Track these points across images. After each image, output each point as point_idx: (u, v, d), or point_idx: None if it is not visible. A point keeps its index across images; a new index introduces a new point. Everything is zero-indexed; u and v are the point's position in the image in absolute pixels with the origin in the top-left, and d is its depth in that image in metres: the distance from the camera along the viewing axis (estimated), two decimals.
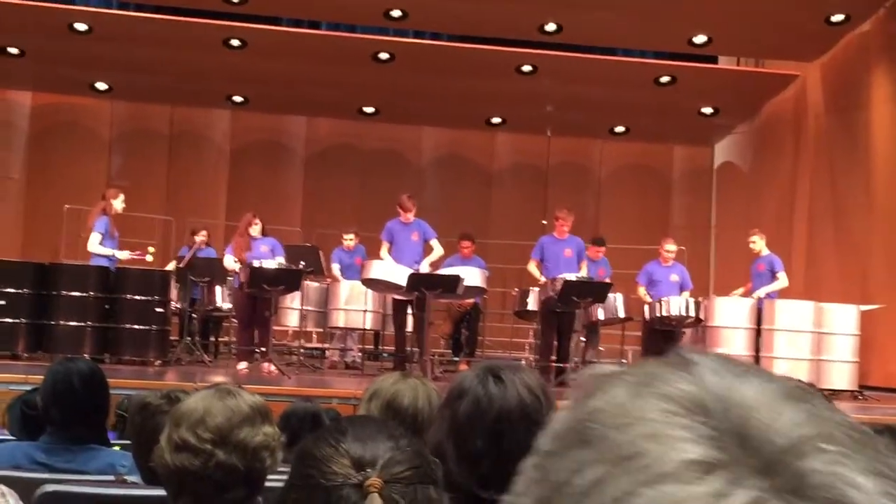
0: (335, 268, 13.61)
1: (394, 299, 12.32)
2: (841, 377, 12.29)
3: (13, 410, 5.04)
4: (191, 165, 17.98)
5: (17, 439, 4.60)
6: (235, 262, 11.87)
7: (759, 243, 12.76)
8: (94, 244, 11.58)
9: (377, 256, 12.30)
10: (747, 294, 12.76)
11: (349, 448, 1.61)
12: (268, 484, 2.53)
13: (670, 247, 12.97)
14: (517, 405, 2.17)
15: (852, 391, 12.35)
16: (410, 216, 12.24)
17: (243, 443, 2.43)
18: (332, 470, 1.59)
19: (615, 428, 0.58)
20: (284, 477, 1.71)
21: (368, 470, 1.58)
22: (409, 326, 12.32)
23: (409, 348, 12.28)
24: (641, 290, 12.83)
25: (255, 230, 12.11)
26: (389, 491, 1.56)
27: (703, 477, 0.54)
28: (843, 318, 12.47)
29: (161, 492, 2.64)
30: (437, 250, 12.34)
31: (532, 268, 12.47)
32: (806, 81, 16.56)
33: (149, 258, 12.12)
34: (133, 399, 3.95)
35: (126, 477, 3.57)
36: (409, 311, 12.15)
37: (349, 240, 13.74)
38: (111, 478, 3.61)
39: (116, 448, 4.29)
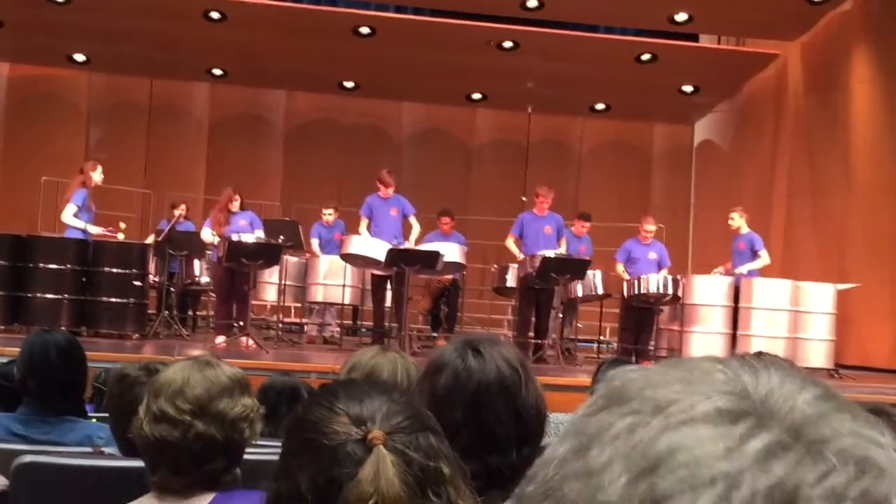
0: (314, 243, 13.60)
1: (373, 275, 12.31)
2: (817, 355, 12.37)
3: None
4: (170, 138, 17.89)
5: None
6: (213, 235, 11.83)
7: (737, 220, 12.77)
8: (69, 215, 11.53)
9: (356, 232, 12.29)
10: (728, 272, 12.80)
11: (345, 407, 1.60)
12: (246, 456, 2.53)
13: (650, 227, 12.99)
14: (496, 378, 2.18)
15: (828, 369, 12.42)
16: (390, 191, 12.23)
17: (222, 414, 2.43)
18: (333, 430, 1.58)
19: (650, 387, 0.61)
20: (263, 449, 1.69)
21: (369, 424, 1.57)
22: (388, 302, 12.33)
23: (387, 324, 12.28)
24: (620, 267, 12.86)
25: (235, 206, 12.07)
26: (393, 442, 1.55)
27: (731, 423, 0.57)
28: (820, 297, 12.53)
29: (139, 463, 2.63)
30: (416, 227, 12.35)
31: (510, 243, 12.49)
32: (786, 60, 16.60)
33: (120, 236, 12.07)
34: (111, 371, 3.94)
35: (103, 448, 3.57)
36: (389, 286, 12.16)
37: (328, 214, 13.73)
38: (88, 449, 3.60)
39: (93, 420, 4.28)
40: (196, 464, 2.40)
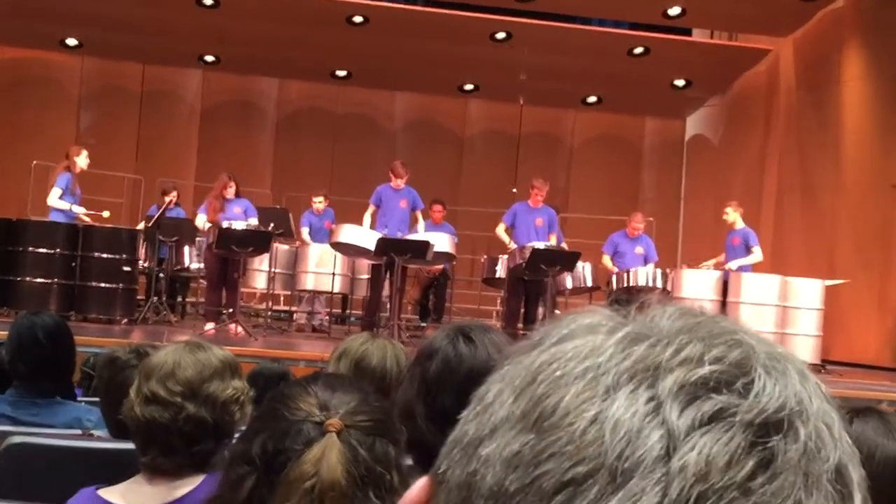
0: (304, 231, 13.59)
1: (372, 264, 12.31)
2: (804, 351, 12.37)
3: None
4: (161, 125, 17.86)
5: None
6: (206, 222, 11.84)
7: (732, 215, 12.79)
8: (54, 198, 11.55)
9: (346, 220, 12.30)
10: (720, 266, 12.82)
11: (318, 392, 1.66)
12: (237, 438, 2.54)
13: (638, 223, 13.02)
14: (486, 364, 2.19)
15: (815, 365, 12.43)
16: (401, 182, 12.29)
17: (213, 396, 2.44)
18: (298, 406, 1.64)
19: (529, 339, 0.66)
20: None
21: (332, 412, 1.62)
22: (387, 290, 12.32)
23: (379, 313, 12.28)
24: (606, 259, 12.88)
25: (230, 192, 12.08)
26: (347, 435, 1.59)
27: (597, 331, 0.63)
28: (808, 293, 12.56)
29: (128, 445, 2.65)
30: (421, 223, 12.43)
31: (500, 231, 12.54)
32: (779, 56, 16.62)
33: (105, 213, 12.12)
34: (101, 354, 3.95)
35: (93, 431, 3.58)
36: (389, 276, 12.16)
37: (318, 202, 13.72)
38: (78, 431, 3.61)
39: (82, 403, 4.29)
40: (186, 445, 2.42)
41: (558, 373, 0.60)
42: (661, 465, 0.56)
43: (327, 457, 1.56)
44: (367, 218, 12.26)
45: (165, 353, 2.52)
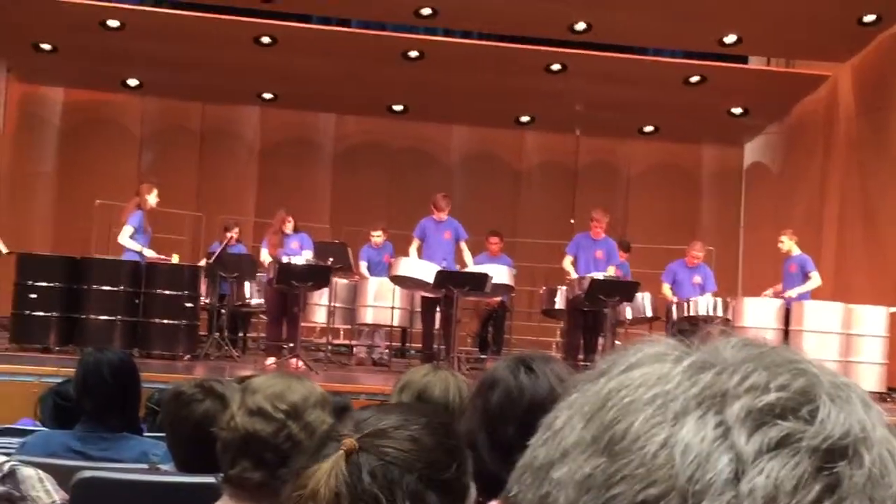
0: (363, 265, 13.65)
1: (423, 297, 12.36)
2: (869, 379, 12.21)
3: (46, 402, 5.10)
4: (221, 162, 18.07)
5: (50, 430, 4.65)
6: (269, 257, 11.99)
7: (787, 243, 12.70)
8: (125, 237, 11.73)
9: (405, 254, 12.36)
10: (778, 294, 12.71)
11: (360, 416, 1.61)
12: None
13: (698, 252, 12.97)
14: (548, 395, 2.19)
15: (881, 393, 12.28)
16: (444, 215, 12.33)
17: (313, 424, 2.50)
18: (338, 423, 1.63)
19: (595, 367, 0.69)
20: None
21: (358, 433, 1.55)
22: (438, 324, 12.35)
23: (436, 346, 12.31)
24: (666, 288, 12.82)
25: (289, 227, 12.20)
26: (358, 458, 1.51)
27: (664, 360, 0.65)
28: (872, 320, 12.41)
29: (195, 479, 2.68)
30: (467, 256, 12.44)
31: (567, 263, 12.52)
32: (837, 82, 16.47)
33: (175, 259, 12.29)
34: (168, 389, 3.99)
35: (159, 465, 3.62)
36: (439, 308, 12.19)
37: (377, 236, 13.77)
38: (145, 466, 3.66)
39: (148, 438, 4.33)
40: (279, 463, 2.45)
41: (627, 399, 0.62)
42: (730, 488, 0.58)
43: (323, 472, 1.51)
44: (413, 251, 12.31)
45: (272, 376, 2.61)
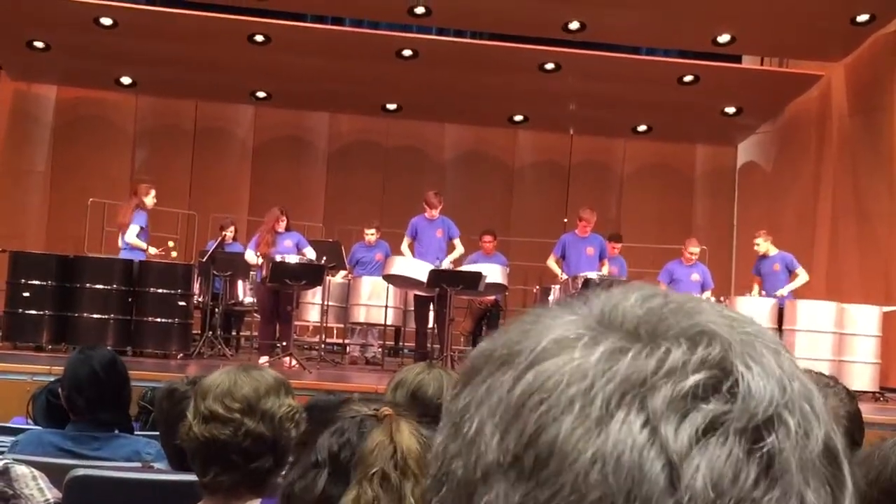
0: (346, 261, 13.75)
1: (416, 295, 12.36)
2: (862, 378, 12.23)
3: (38, 400, 5.09)
4: (214, 160, 18.05)
5: (43, 428, 4.64)
6: (257, 256, 11.94)
7: (763, 245, 12.78)
8: (133, 237, 11.75)
9: (399, 252, 12.37)
10: (766, 295, 12.71)
11: (358, 401, 1.83)
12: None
13: (694, 249, 12.99)
14: None
15: (873, 392, 12.30)
16: (436, 213, 12.34)
17: (270, 412, 2.49)
18: (347, 411, 1.79)
19: (496, 349, 0.64)
20: None
21: (381, 408, 1.77)
22: (432, 322, 12.36)
23: (430, 345, 12.31)
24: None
25: (282, 226, 12.19)
26: (401, 418, 1.71)
27: (572, 348, 0.61)
28: (865, 319, 12.42)
29: (188, 477, 2.68)
30: (459, 249, 12.43)
31: (551, 263, 12.56)
32: (830, 82, 16.50)
33: (174, 254, 12.33)
34: (160, 386, 3.99)
35: (153, 463, 3.62)
36: (432, 307, 12.19)
37: (370, 234, 13.77)
38: (138, 464, 3.65)
39: (141, 436, 4.33)
40: (246, 461, 2.45)
41: (544, 407, 0.59)
42: (669, 498, 0.56)
43: (398, 429, 1.66)
44: (404, 249, 12.33)
45: (220, 373, 2.57)
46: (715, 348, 0.60)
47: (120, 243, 12.10)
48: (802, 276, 12.60)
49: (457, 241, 12.44)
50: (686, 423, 0.57)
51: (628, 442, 0.56)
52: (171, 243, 12.44)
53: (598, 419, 0.57)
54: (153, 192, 12.10)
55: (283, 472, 1.85)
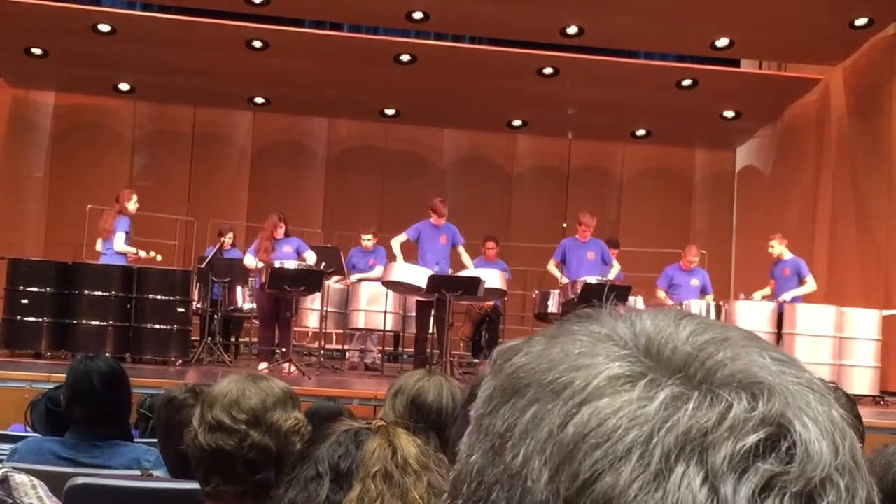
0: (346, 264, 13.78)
1: (416, 301, 12.35)
2: (862, 382, 12.23)
3: (37, 408, 5.07)
4: (213, 166, 18.05)
5: (41, 436, 4.63)
6: (256, 261, 11.94)
7: (778, 248, 12.72)
8: (121, 244, 11.74)
9: (389, 247, 12.45)
10: (769, 298, 12.71)
11: (351, 420, 1.94)
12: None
13: (693, 257, 12.98)
14: None
15: (873, 396, 12.29)
16: (443, 220, 12.34)
17: (276, 425, 2.47)
18: (340, 425, 1.85)
19: (541, 371, 0.62)
20: None
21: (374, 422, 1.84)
22: (431, 328, 12.35)
23: (429, 350, 12.29)
24: (661, 294, 12.82)
25: (280, 232, 12.18)
26: (396, 426, 1.77)
27: (629, 388, 0.59)
28: (865, 323, 12.41)
29: (187, 485, 2.67)
30: (467, 261, 12.45)
31: (552, 267, 12.56)
32: (829, 85, 16.49)
33: (158, 258, 12.36)
34: (159, 394, 3.97)
35: (152, 471, 3.60)
36: (432, 312, 12.19)
37: (367, 240, 13.78)
38: (137, 472, 3.64)
39: (140, 444, 4.31)
40: (250, 473, 2.44)
41: (599, 453, 0.57)
42: None
43: (396, 434, 1.71)
44: (395, 245, 12.33)
45: (228, 382, 2.55)
46: (774, 404, 0.59)
47: (99, 247, 12.09)
48: (810, 285, 12.59)
49: (462, 250, 12.47)
50: (744, 482, 0.56)
51: (688, 499, 0.55)
52: (155, 255, 12.45)
53: (657, 472, 0.56)
54: (135, 198, 12.10)
55: (281, 489, 1.87)
